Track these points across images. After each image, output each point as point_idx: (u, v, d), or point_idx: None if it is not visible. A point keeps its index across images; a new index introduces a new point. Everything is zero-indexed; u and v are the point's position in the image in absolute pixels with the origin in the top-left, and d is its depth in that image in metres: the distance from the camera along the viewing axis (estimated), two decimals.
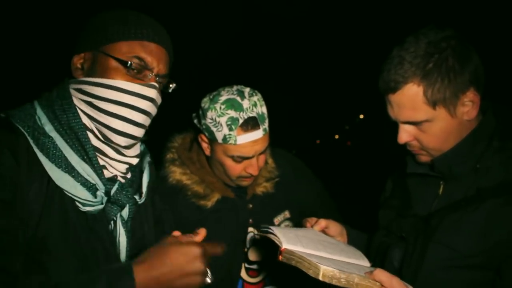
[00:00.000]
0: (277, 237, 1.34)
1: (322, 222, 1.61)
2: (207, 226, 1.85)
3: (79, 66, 1.33)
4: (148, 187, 1.51)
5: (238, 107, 1.70)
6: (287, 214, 2.00)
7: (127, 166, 1.39)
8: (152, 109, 1.33)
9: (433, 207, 1.45)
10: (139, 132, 1.33)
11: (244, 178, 1.84)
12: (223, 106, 1.70)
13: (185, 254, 1.10)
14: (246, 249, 1.92)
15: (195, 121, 1.87)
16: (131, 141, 1.33)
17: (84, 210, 1.24)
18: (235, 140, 1.71)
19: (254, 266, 1.93)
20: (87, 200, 1.23)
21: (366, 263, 1.42)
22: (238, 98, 1.72)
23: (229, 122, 1.69)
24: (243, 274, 1.92)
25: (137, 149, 1.44)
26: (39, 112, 1.27)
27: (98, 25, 1.32)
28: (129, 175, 1.41)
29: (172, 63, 1.42)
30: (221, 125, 1.71)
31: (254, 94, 1.77)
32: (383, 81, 1.38)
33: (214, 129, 1.74)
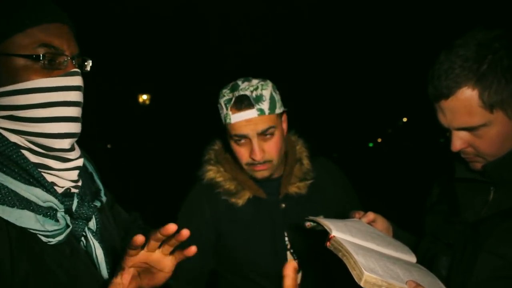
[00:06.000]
0: (326, 225, 1.31)
1: (370, 215, 1.57)
2: (241, 226, 1.87)
3: None
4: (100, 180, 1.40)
5: (235, 88, 1.79)
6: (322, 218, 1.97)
7: (76, 171, 1.20)
8: (81, 97, 1.16)
9: (483, 214, 1.39)
10: (77, 128, 1.16)
11: (253, 167, 1.83)
12: (227, 91, 1.81)
13: None
14: (287, 252, 1.90)
15: None
16: (73, 140, 1.17)
17: (54, 243, 1.08)
18: (230, 118, 1.77)
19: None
20: (55, 231, 1.07)
21: (412, 258, 1.39)
22: (239, 82, 1.81)
23: (225, 102, 1.78)
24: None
25: (77, 148, 1.25)
26: None
27: None
28: (80, 182, 1.23)
29: (76, 36, 1.22)
30: (222, 106, 1.80)
31: (261, 80, 1.82)
32: (433, 88, 1.33)
33: (220, 113, 1.83)
